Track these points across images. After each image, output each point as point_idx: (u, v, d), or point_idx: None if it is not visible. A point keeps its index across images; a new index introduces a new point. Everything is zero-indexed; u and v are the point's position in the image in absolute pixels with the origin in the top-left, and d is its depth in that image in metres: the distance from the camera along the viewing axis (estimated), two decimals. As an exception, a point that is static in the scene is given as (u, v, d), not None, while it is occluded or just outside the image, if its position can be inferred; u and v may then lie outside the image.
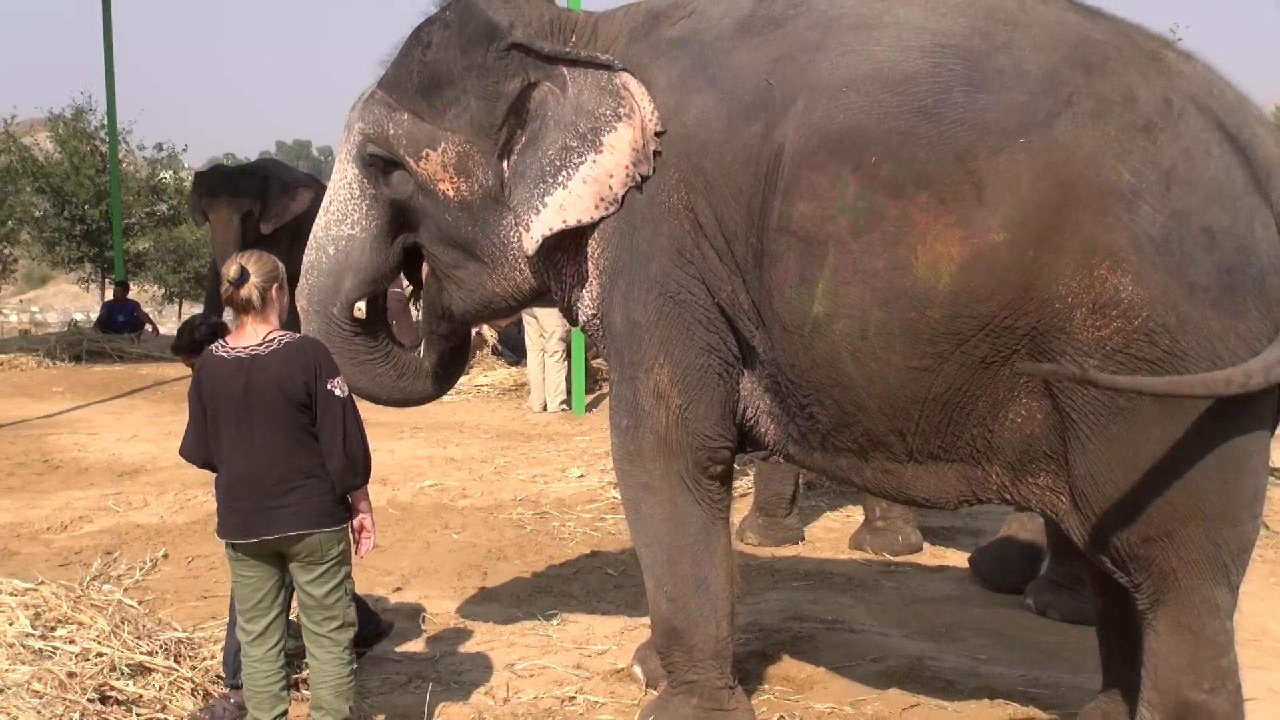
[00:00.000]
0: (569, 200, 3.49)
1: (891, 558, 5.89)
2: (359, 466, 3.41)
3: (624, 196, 3.46)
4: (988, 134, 2.95)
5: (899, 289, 3.02)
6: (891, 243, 3.01)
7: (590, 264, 3.61)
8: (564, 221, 3.50)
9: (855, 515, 6.58)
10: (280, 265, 3.49)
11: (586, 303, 3.68)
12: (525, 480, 7.43)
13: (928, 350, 3.05)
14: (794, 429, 3.47)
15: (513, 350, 11.43)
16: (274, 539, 3.37)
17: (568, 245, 3.62)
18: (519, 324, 10.67)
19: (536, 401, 9.97)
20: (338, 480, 3.38)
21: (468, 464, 7.82)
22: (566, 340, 9.91)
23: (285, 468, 3.35)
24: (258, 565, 3.43)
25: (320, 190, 13.24)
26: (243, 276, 3.38)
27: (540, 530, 6.33)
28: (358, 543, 3.52)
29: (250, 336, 3.41)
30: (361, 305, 3.89)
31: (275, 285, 3.44)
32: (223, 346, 3.43)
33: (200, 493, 6.73)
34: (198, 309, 24.32)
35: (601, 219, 3.49)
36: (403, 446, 8.23)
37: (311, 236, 3.93)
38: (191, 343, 3.84)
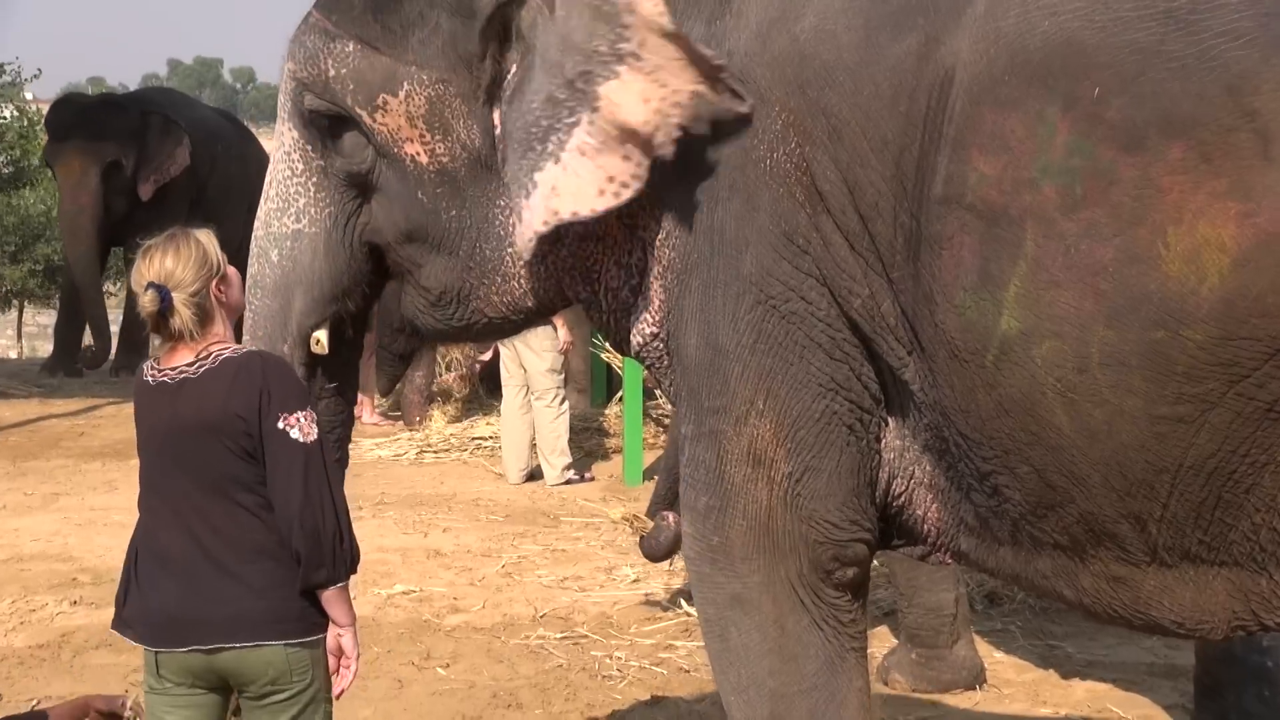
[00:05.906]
0: (563, 180, 3.48)
1: None
2: (327, 549, 3.45)
3: (649, 176, 3.41)
4: (1276, 54, 2.91)
5: (1139, 295, 2.98)
6: (1126, 223, 2.97)
7: (648, 257, 3.62)
8: (557, 213, 3.47)
9: (1058, 645, 6.52)
10: (210, 247, 3.58)
11: (643, 318, 3.69)
12: (550, 586, 7.49)
13: (1184, 390, 3.00)
14: (968, 511, 3.44)
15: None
16: (208, 651, 3.42)
17: (606, 231, 3.63)
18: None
19: (513, 469, 9.92)
20: (300, 567, 3.44)
21: (461, 559, 7.90)
22: (561, 371, 9.88)
23: (226, 545, 3.44)
24: (188, 698, 3.49)
25: (233, 132, 13.38)
26: (164, 301, 3.43)
27: (574, 664, 6.36)
28: (334, 672, 3.59)
29: (185, 353, 3.52)
30: (322, 335, 3.87)
31: (215, 281, 3.54)
32: (153, 367, 3.57)
33: (50, 600, 6.81)
34: (48, 317, 24.59)
35: (611, 209, 3.43)
36: (364, 531, 8.22)
37: (253, 238, 3.96)
38: None
